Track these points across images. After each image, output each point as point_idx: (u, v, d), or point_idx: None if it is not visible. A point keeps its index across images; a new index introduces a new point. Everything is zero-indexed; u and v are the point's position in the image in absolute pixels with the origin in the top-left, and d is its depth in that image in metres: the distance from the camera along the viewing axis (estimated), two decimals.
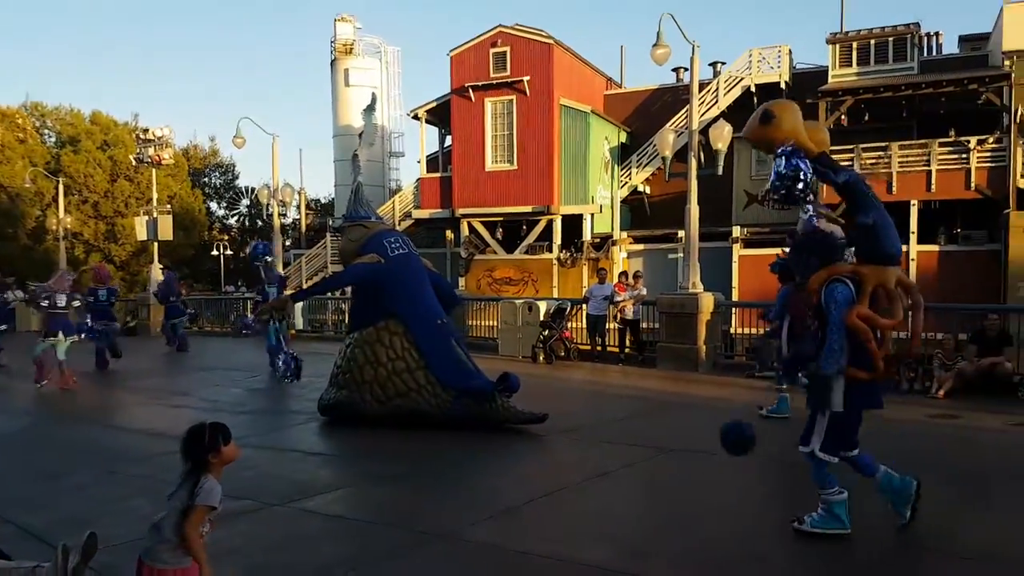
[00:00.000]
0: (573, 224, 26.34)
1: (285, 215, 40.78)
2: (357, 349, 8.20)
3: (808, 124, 4.74)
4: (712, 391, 10.84)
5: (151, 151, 27.77)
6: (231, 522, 4.78)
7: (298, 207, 36.16)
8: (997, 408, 8.92)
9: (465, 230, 27.43)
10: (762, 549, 4.58)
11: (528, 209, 26.14)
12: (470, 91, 26.23)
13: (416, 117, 28.51)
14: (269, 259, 13.89)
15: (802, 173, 4.35)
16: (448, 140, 28.71)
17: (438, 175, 28.38)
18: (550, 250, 26.32)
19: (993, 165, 21.10)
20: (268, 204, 24.88)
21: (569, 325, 14.88)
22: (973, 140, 21.23)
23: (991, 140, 21.19)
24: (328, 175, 36.09)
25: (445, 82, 27.24)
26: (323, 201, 48.26)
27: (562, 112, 25.65)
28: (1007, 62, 21.74)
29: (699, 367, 12.49)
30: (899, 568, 4.26)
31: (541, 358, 14.01)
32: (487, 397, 7.91)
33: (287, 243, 37.89)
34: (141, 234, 28.20)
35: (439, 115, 28.23)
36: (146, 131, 28.65)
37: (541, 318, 14.54)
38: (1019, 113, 20.93)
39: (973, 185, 21.21)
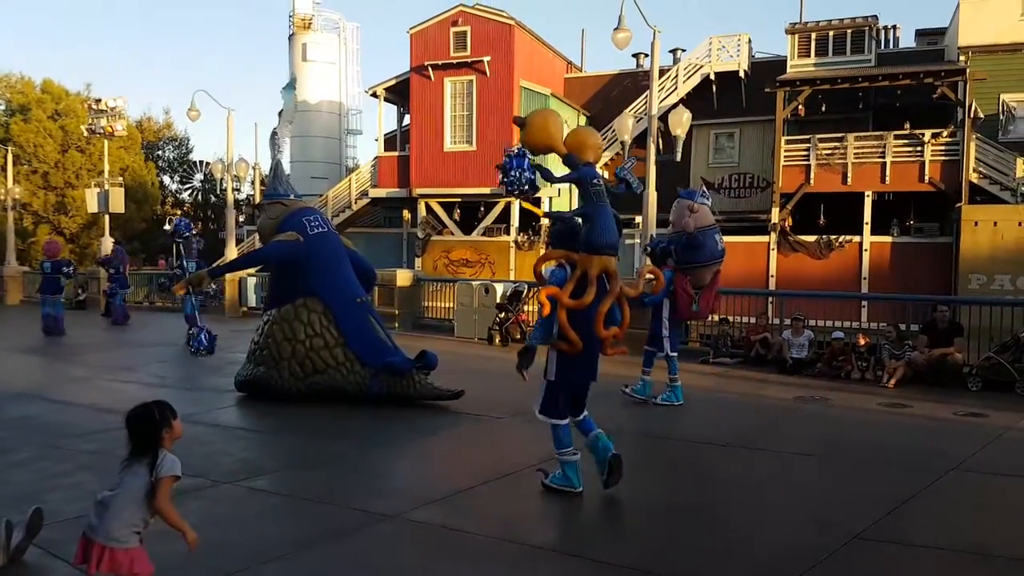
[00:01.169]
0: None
1: (239, 190, 39.91)
2: (275, 326, 8.22)
3: (581, 129, 5.50)
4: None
5: (103, 122, 27.04)
6: (183, 500, 4.67)
7: (253, 182, 35.28)
8: (946, 399, 9.00)
9: (422, 210, 27.03)
10: (713, 535, 4.52)
11: (486, 191, 25.83)
12: (429, 70, 25.77)
13: (374, 95, 27.92)
14: (188, 235, 14.53)
15: (518, 171, 5.14)
16: (407, 119, 28.20)
17: (396, 154, 27.89)
18: (508, 232, 26.10)
19: (947, 159, 21.48)
20: (222, 179, 24.25)
21: (525, 308, 14.72)
22: (928, 133, 21.57)
23: (945, 134, 21.55)
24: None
25: (405, 60, 26.74)
26: None
27: (522, 94, 25.36)
28: (963, 57, 22.13)
29: None
30: (842, 555, 4.19)
31: (497, 340, 13.85)
32: (405, 374, 8.02)
33: (241, 219, 37.04)
34: (92, 206, 27.52)
35: (398, 93, 27.69)
36: (99, 101, 27.84)
37: (497, 300, 14.35)
38: (973, 108, 21.31)
39: (927, 178, 21.57)
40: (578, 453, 5.13)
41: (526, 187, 5.23)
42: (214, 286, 13.86)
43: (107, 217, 27.27)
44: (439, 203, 26.92)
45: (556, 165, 5.74)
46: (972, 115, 21.30)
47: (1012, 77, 21.97)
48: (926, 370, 9.96)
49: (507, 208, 25.99)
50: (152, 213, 42.14)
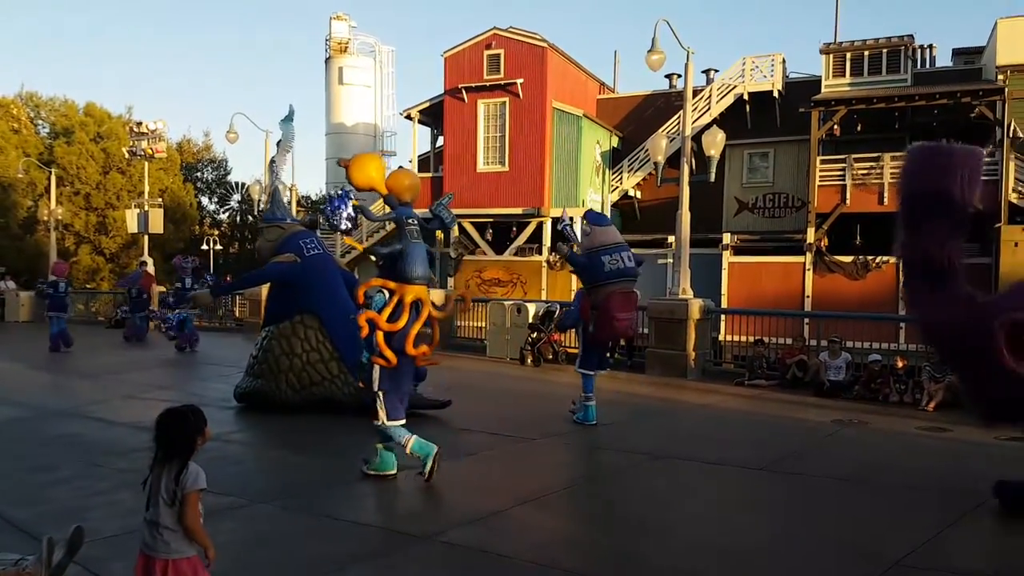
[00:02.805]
0: None
1: None
2: (274, 341, 8.74)
3: (399, 172, 6.33)
4: (700, 398, 10.74)
5: (144, 144, 27.73)
6: (217, 519, 4.77)
7: (289, 203, 35.88)
8: None
9: (455, 231, 27.24)
10: (750, 562, 4.48)
11: (519, 211, 26.00)
12: (463, 92, 26.09)
13: (409, 117, 28.33)
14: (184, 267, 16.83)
15: (341, 210, 5.92)
16: (440, 140, 28.53)
17: (429, 175, 28.19)
18: (540, 252, 26.16)
19: (986, 178, 20.95)
20: (259, 200, 24.72)
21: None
22: None
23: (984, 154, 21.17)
24: (320, 172, 36.01)
25: (438, 82, 27.11)
26: (314, 198, 48.01)
27: (555, 115, 25.54)
28: (1000, 76, 21.78)
29: (688, 373, 12.38)
30: None
31: (529, 360, 13.86)
32: None
33: None
34: (132, 227, 28.20)
35: (432, 115, 28.06)
36: (140, 124, 28.58)
37: (530, 320, 14.39)
38: (1012, 127, 20.95)
39: None
40: (396, 449, 5.98)
41: (348, 225, 5.96)
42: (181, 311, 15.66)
43: (146, 237, 27.93)
44: (472, 223, 27.12)
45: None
46: (1011, 135, 20.92)
47: None
48: None
49: (539, 228, 26.11)
50: (190, 233, 43.00)
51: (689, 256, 13.71)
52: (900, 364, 10.61)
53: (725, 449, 7.48)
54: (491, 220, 26.90)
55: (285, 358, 8.60)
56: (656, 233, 24.48)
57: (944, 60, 26.20)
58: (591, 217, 8.57)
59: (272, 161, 10.29)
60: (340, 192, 6.01)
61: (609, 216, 26.07)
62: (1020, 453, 7.43)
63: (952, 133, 22.06)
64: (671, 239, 20.07)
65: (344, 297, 8.93)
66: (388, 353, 5.73)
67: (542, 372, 13.24)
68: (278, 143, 10.47)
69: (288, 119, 10.43)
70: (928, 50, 25.57)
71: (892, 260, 21.85)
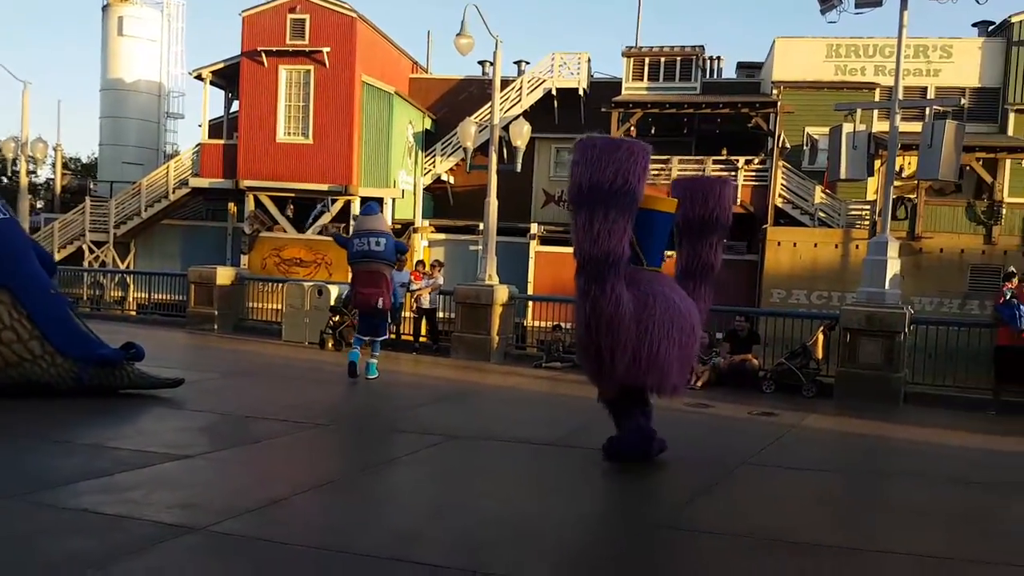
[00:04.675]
0: None
1: (36, 173, 36.19)
2: None
3: None
4: (500, 380, 11.00)
5: None
6: None
7: (53, 165, 32.05)
8: (744, 400, 9.91)
9: (251, 204, 25.73)
10: (530, 530, 4.63)
11: (324, 187, 25.08)
12: (263, 56, 24.63)
13: (200, 78, 26.24)
14: None
15: None
16: (236, 105, 26.75)
17: (222, 142, 26.35)
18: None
19: (757, 184, 23.51)
20: (15, 160, 21.98)
21: None
22: (741, 160, 23.51)
23: (756, 161, 23.59)
24: (93, 132, 32.43)
25: (236, 44, 25.38)
26: (85, 160, 43.27)
27: (364, 90, 24.88)
28: (775, 91, 24.33)
29: (491, 357, 12.61)
30: (641, 543, 4.44)
31: (330, 345, 13.36)
32: (116, 365, 7.96)
33: (39, 205, 33.62)
34: None
35: (226, 78, 26.23)
36: None
37: (332, 303, 13.86)
38: (781, 138, 23.50)
39: (739, 201, 23.46)
40: None
41: None
42: None
43: None
44: (270, 197, 25.74)
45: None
46: (780, 145, 23.47)
47: (816, 112, 24.24)
48: (727, 374, 10.93)
49: (347, 206, 25.37)
50: None
51: (498, 244, 13.92)
52: None
53: (518, 428, 7.68)
54: (292, 195, 25.73)
55: None
56: (468, 219, 24.72)
57: (730, 72, 28.80)
58: (363, 208, 10.03)
59: None
60: None
61: (420, 200, 26.06)
62: (768, 426, 8.35)
63: (732, 141, 24.42)
64: (482, 226, 20.34)
65: (38, 269, 7.97)
66: None
67: (343, 357, 12.77)
68: None
69: None
70: (717, 61, 27.96)
71: (671, 254, 23.71)
